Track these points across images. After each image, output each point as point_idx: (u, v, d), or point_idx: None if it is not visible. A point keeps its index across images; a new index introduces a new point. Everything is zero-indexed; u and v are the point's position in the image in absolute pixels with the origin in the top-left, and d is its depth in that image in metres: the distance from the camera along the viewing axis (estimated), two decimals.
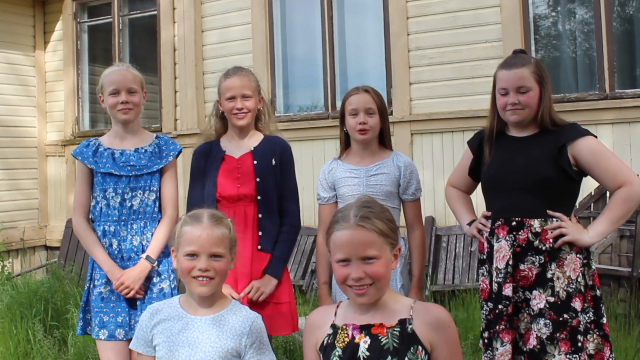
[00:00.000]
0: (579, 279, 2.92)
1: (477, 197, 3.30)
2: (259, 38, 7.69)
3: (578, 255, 2.93)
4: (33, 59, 9.13)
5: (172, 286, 3.35)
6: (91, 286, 3.34)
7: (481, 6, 6.60)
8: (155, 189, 3.38)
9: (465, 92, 6.60)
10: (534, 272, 2.93)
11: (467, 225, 3.24)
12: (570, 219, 2.96)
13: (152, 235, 3.33)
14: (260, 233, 3.34)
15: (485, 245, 3.09)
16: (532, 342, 2.89)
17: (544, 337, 2.87)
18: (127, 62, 8.03)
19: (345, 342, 2.17)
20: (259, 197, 3.34)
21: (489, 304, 3.02)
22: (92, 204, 3.38)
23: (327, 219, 3.10)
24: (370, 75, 7.29)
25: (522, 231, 2.96)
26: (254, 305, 3.18)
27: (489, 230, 3.07)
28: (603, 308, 2.97)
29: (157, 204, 3.38)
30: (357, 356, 2.13)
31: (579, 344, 2.85)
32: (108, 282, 3.28)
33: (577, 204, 3.52)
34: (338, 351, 2.16)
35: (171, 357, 2.37)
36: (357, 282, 2.12)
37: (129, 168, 3.34)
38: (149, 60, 8.56)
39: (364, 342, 2.15)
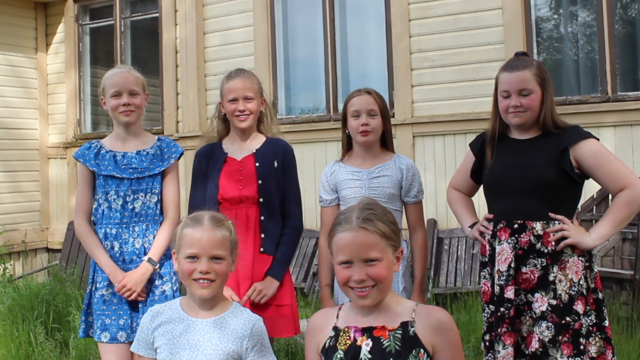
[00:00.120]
0: (581, 282, 2.91)
1: (479, 199, 3.29)
2: (261, 40, 7.69)
3: (580, 258, 2.93)
4: (35, 61, 9.15)
5: (174, 288, 3.35)
6: (93, 289, 3.34)
7: (483, 8, 6.60)
8: (157, 191, 3.37)
9: (467, 95, 6.60)
10: (536, 275, 2.92)
11: (469, 228, 3.24)
12: (572, 222, 2.96)
13: (154, 238, 3.33)
14: (262, 235, 3.34)
15: (487, 247, 3.09)
16: (535, 345, 2.89)
17: (546, 340, 2.87)
18: (128, 64, 8.03)
19: (347, 345, 2.16)
20: (261, 200, 3.34)
21: (491, 306, 3.02)
22: (94, 206, 3.38)
23: (329, 221, 3.09)
24: (372, 77, 7.29)
25: (524, 234, 2.95)
26: (255, 307, 3.18)
27: (490, 232, 3.06)
28: (605, 311, 2.96)
29: (158, 207, 3.38)
30: (359, 359, 2.13)
31: (581, 347, 2.85)
32: (110, 284, 3.27)
33: (579, 206, 3.52)
34: (340, 354, 2.16)
35: None
36: (359, 284, 2.11)
37: (130, 170, 3.34)
38: (151, 63, 8.57)
39: (366, 345, 2.14)
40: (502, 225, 3.01)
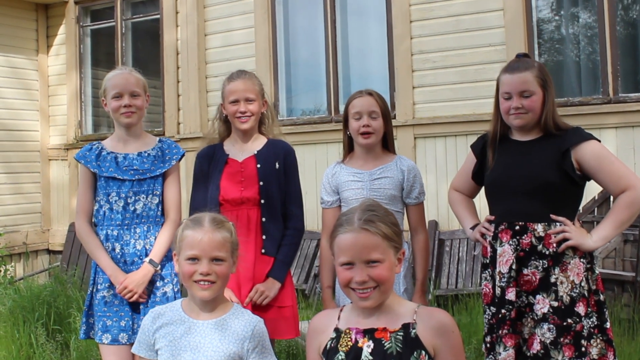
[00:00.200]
0: (583, 284, 2.91)
1: (480, 201, 3.29)
2: (262, 42, 7.69)
3: (582, 260, 2.92)
4: (36, 63, 9.15)
5: (175, 290, 3.35)
6: (94, 290, 3.34)
7: (484, 10, 6.59)
8: (158, 192, 3.37)
9: (469, 96, 6.60)
10: (538, 277, 2.92)
11: (471, 229, 3.24)
12: (573, 224, 2.95)
13: (155, 239, 3.33)
14: (263, 237, 3.33)
15: (489, 249, 3.08)
16: (536, 346, 2.89)
17: (548, 341, 2.86)
18: (129, 65, 8.06)
19: (349, 346, 2.16)
20: (262, 201, 3.34)
21: (492, 308, 3.01)
22: (95, 208, 3.38)
23: (330, 222, 3.09)
24: (373, 79, 7.29)
25: (525, 235, 2.95)
26: (257, 308, 3.17)
27: (492, 234, 3.06)
28: (607, 313, 2.96)
29: (160, 208, 3.38)
30: None
31: (583, 349, 2.84)
32: (111, 286, 3.27)
33: (580, 208, 3.52)
34: (341, 355, 2.16)
35: None
36: (361, 285, 2.11)
37: (132, 172, 3.34)
38: (152, 64, 8.57)
39: (367, 347, 2.14)
40: (503, 226, 3.01)
